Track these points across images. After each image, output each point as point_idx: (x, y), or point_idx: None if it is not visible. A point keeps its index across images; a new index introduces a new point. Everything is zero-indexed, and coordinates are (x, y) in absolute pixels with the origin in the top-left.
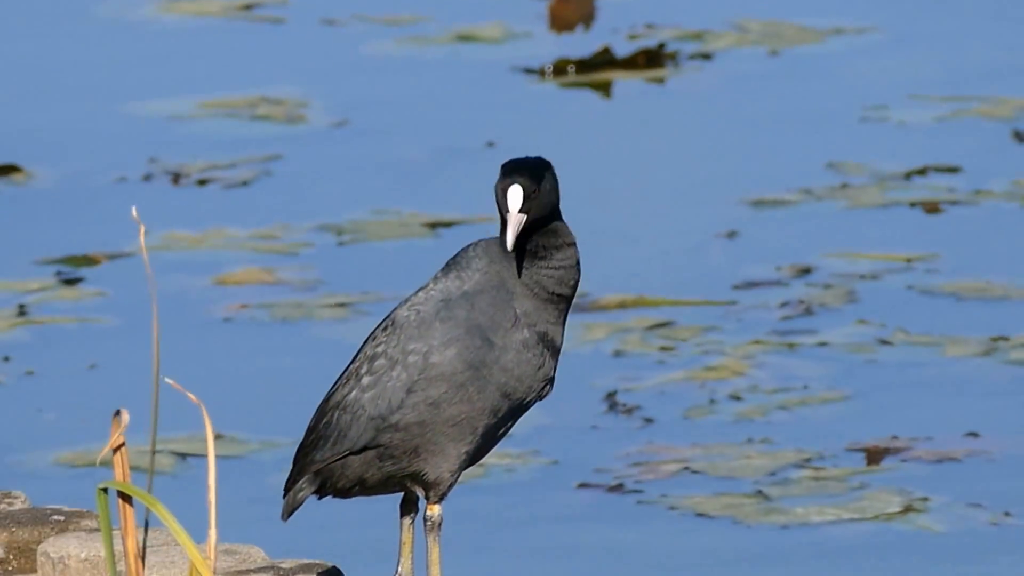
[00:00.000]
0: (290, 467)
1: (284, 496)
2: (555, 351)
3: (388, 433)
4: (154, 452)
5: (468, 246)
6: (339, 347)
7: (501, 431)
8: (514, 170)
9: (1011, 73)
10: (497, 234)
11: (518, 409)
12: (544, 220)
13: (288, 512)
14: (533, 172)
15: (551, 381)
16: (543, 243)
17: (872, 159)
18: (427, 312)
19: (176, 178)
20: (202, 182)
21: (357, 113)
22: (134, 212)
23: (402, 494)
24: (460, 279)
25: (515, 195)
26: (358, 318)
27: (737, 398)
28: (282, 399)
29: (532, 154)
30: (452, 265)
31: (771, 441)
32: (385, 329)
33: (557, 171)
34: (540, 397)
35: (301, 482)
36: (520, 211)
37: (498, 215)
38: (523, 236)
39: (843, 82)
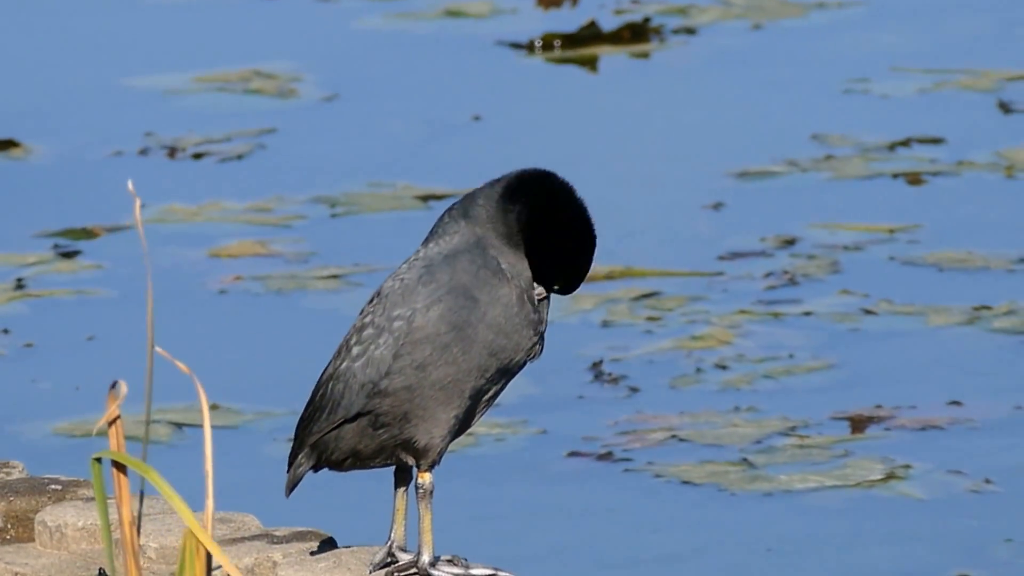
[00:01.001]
0: (289, 440)
1: (287, 471)
2: (542, 306)
3: (378, 399)
4: (149, 422)
5: (444, 212)
6: (332, 318)
7: (490, 394)
8: (573, 288)
9: (992, 45)
10: (469, 191)
11: (506, 370)
12: None
13: (290, 487)
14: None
15: (541, 339)
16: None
17: (856, 131)
18: (410, 279)
19: (172, 152)
20: (197, 156)
21: (348, 87)
22: (130, 185)
23: (395, 465)
24: (439, 245)
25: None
26: (351, 289)
27: (723, 367)
28: (276, 370)
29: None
30: (431, 234)
31: (757, 409)
32: (372, 301)
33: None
34: (530, 357)
35: (300, 456)
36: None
37: None
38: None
39: (826, 55)
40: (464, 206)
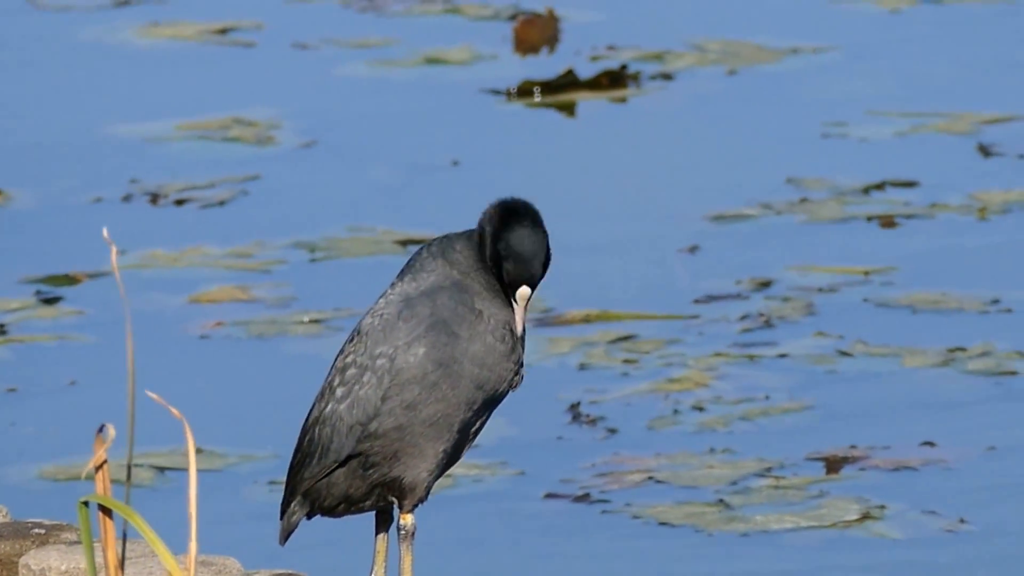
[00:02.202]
0: (272, 483)
1: (280, 519)
2: (520, 338)
3: (368, 441)
4: (131, 466)
5: (420, 249)
6: (313, 362)
7: (477, 425)
8: (530, 274)
9: (968, 88)
10: (449, 233)
11: (492, 401)
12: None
13: (285, 536)
14: (545, 266)
15: (520, 367)
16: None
17: (831, 174)
18: (390, 314)
19: (154, 198)
20: (179, 202)
21: (326, 134)
22: (105, 233)
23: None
24: (416, 280)
25: (524, 295)
26: (332, 334)
27: (700, 409)
28: (258, 413)
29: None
30: (407, 269)
31: (733, 451)
32: (352, 340)
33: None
34: (512, 387)
35: (293, 504)
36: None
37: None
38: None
39: (802, 99)
40: (442, 247)
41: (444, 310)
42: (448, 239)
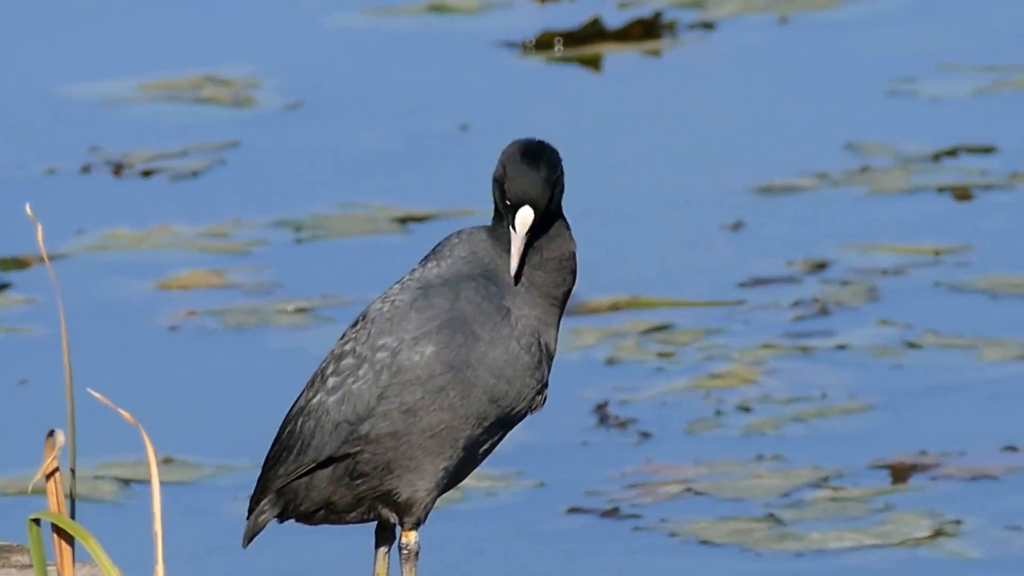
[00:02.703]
0: (253, 489)
1: (247, 517)
2: (549, 355)
3: (358, 444)
4: (74, 477)
5: (451, 235)
6: (299, 357)
7: (486, 445)
8: (528, 186)
9: None
10: (482, 224)
11: (506, 420)
12: (546, 219)
13: (249, 537)
14: (547, 181)
15: (544, 388)
16: (541, 244)
17: (896, 138)
18: (402, 301)
19: (117, 169)
20: (146, 173)
21: (315, 94)
22: (28, 210)
23: (376, 522)
24: (440, 266)
25: (525, 219)
26: (320, 325)
27: (746, 409)
28: (237, 417)
29: (512, 136)
30: (432, 255)
31: (784, 458)
32: (356, 324)
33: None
34: (531, 408)
35: (264, 503)
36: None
37: (492, 205)
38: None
39: (863, 52)
40: (472, 232)
41: (466, 304)
42: (476, 228)
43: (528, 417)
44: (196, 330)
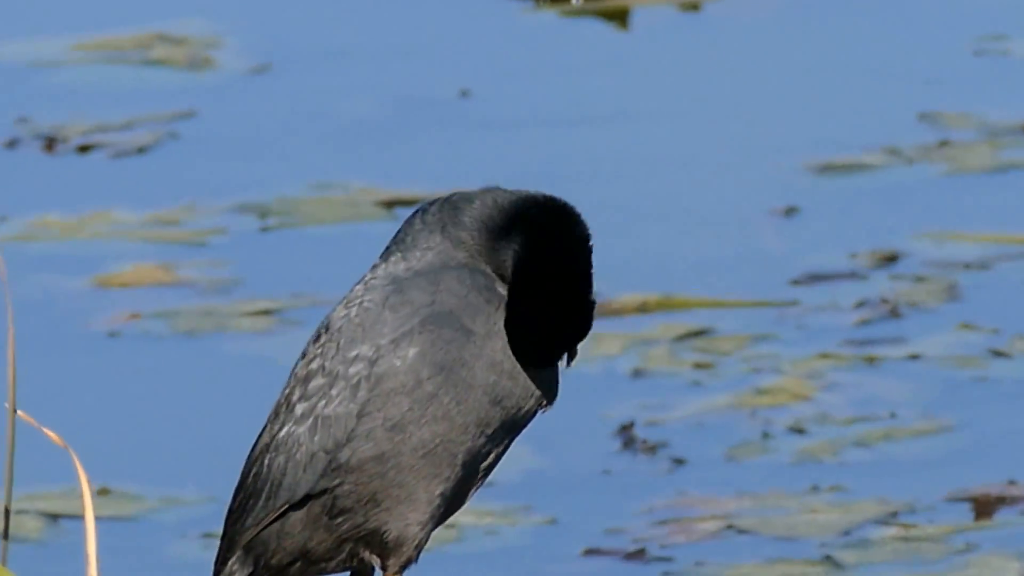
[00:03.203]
0: (208, 536)
1: None
2: None
3: (337, 476)
4: (9, 513)
5: (411, 216)
6: (263, 368)
7: (490, 458)
8: (583, 332)
9: None
10: (448, 193)
11: (512, 424)
12: None
13: None
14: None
15: (553, 385)
16: None
17: (982, 107)
18: (372, 302)
19: (49, 144)
20: (83, 148)
21: (284, 54)
22: None
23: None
24: (408, 259)
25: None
26: (288, 329)
27: (799, 431)
28: (187, 440)
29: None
30: (394, 245)
31: (844, 489)
32: (318, 339)
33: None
34: (542, 405)
35: (232, 561)
36: None
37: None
38: None
39: (944, 5)
40: (443, 215)
41: (450, 297)
42: (452, 205)
43: (528, 438)
44: (141, 336)
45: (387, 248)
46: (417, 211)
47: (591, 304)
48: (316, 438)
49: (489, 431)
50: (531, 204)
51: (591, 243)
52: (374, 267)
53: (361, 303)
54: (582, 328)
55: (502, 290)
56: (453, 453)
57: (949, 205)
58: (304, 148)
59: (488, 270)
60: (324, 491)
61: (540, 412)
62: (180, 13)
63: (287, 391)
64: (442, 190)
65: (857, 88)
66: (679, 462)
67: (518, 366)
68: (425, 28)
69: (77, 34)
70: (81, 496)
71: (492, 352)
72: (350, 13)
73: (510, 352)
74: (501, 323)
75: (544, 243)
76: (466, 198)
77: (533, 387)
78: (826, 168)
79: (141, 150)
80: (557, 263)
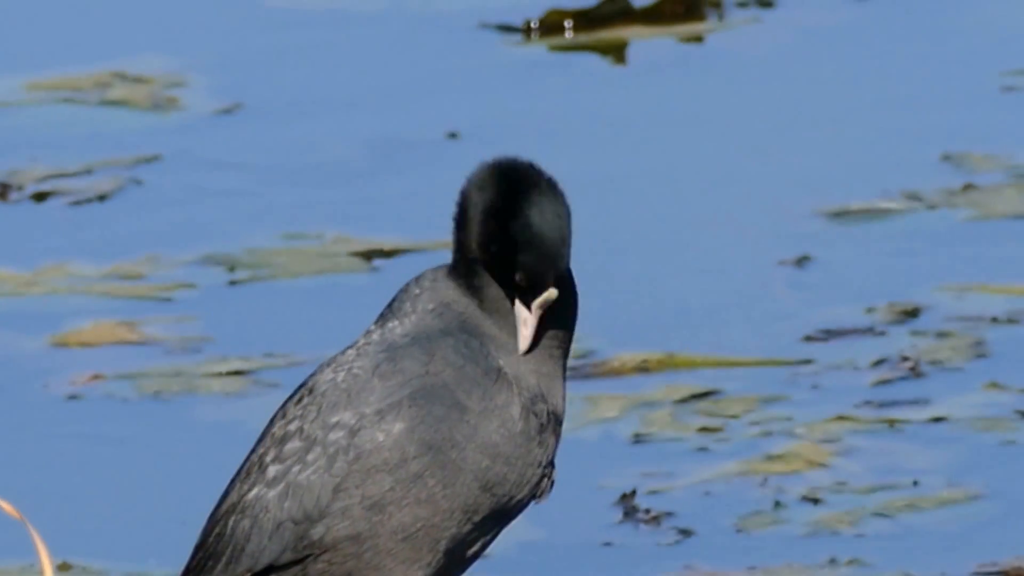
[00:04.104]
0: None
1: None
2: (557, 419)
3: (308, 551)
4: None
5: (408, 284)
6: (235, 434)
7: (476, 546)
8: (557, 257)
9: None
10: (442, 263)
11: (503, 513)
12: None
13: None
14: (567, 253)
15: (550, 469)
16: None
17: (1011, 148)
18: (362, 368)
19: (3, 191)
20: (39, 196)
21: (255, 94)
22: None
23: None
24: (403, 325)
25: (548, 299)
26: (261, 392)
27: (814, 500)
28: (153, 511)
29: (509, 148)
30: (390, 312)
31: (864, 563)
32: (300, 400)
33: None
34: (535, 495)
35: None
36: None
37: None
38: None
39: (969, 35)
40: (435, 279)
41: (445, 368)
42: (436, 271)
43: (531, 507)
44: (103, 399)
45: (382, 314)
46: (413, 280)
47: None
48: (286, 505)
49: (477, 518)
50: (489, 177)
51: (554, 181)
52: (368, 332)
53: (350, 368)
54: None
55: (502, 360)
56: (436, 539)
57: (974, 254)
58: (276, 194)
59: (484, 322)
60: (293, 563)
61: (534, 503)
62: (142, 50)
63: (261, 450)
64: (423, 240)
65: (874, 126)
66: (686, 533)
67: (516, 451)
68: (407, 64)
69: (30, 73)
70: (41, 573)
71: (487, 433)
72: (326, 48)
73: (506, 433)
74: (498, 399)
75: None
76: (440, 266)
77: (529, 474)
78: (841, 214)
79: (101, 198)
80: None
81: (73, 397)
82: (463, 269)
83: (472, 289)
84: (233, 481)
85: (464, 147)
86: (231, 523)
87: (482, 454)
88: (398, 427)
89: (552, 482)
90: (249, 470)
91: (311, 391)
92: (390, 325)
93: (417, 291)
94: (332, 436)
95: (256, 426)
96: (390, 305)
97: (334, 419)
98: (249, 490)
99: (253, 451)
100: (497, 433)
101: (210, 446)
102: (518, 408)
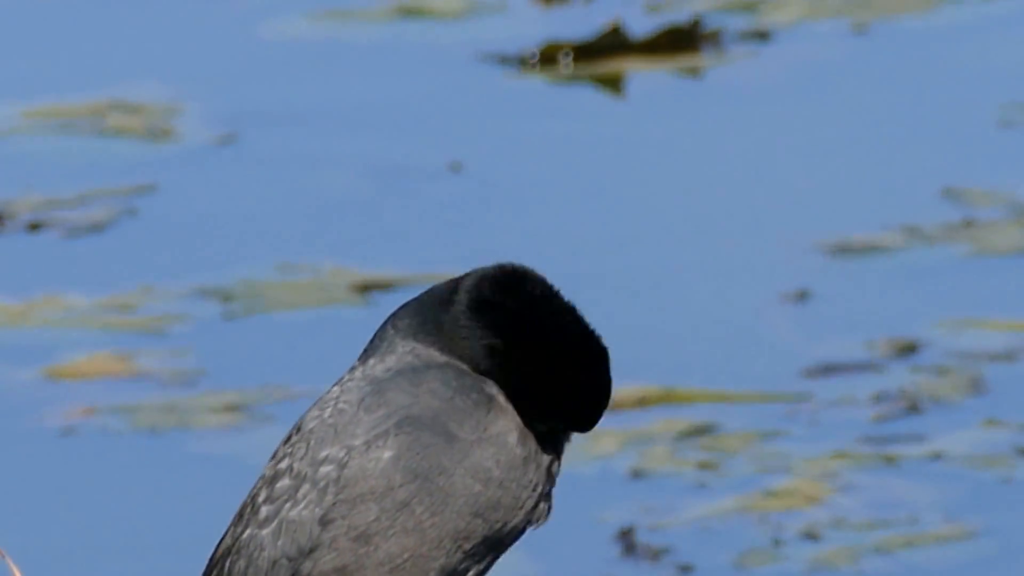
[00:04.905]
0: None
1: None
2: (555, 437)
3: None
4: None
5: (384, 322)
6: (230, 468)
7: None
8: (601, 409)
9: None
10: (425, 289)
11: (496, 541)
12: None
13: None
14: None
15: (547, 497)
16: None
17: (1010, 183)
18: (348, 402)
19: None
20: (33, 226)
21: (251, 124)
22: None
23: None
24: (384, 362)
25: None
26: (256, 426)
27: (812, 537)
28: (148, 548)
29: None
30: (371, 350)
31: None
32: (288, 439)
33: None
34: (533, 520)
35: None
36: None
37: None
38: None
39: (967, 70)
40: (413, 322)
41: (432, 399)
42: (420, 305)
43: (527, 534)
44: (96, 432)
45: (364, 351)
46: (389, 317)
47: (600, 347)
48: (279, 543)
49: (468, 546)
50: (484, 282)
51: (558, 294)
52: (352, 369)
53: (336, 404)
54: (601, 381)
55: (492, 390)
56: (424, 570)
57: (974, 290)
58: (272, 226)
59: (468, 368)
60: None
61: (531, 529)
62: (138, 78)
63: (254, 492)
64: (419, 273)
65: (873, 161)
66: (685, 570)
67: (509, 474)
68: (405, 95)
69: (25, 101)
70: None
71: (479, 459)
72: (323, 78)
73: (503, 460)
74: (493, 429)
75: (516, 321)
76: (433, 294)
77: (524, 499)
78: (840, 249)
79: (96, 228)
80: (536, 335)
81: (66, 431)
82: (443, 327)
83: (456, 328)
84: (228, 527)
85: (460, 179)
86: (227, 565)
87: (473, 479)
88: (386, 455)
89: (550, 507)
90: (242, 512)
91: (299, 430)
92: (371, 361)
93: (392, 331)
94: (321, 471)
95: (251, 461)
96: (370, 343)
97: (323, 454)
98: (243, 531)
99: (249, 494)
100: (491, 458)
101: (204, 481)
102: (516, 435)
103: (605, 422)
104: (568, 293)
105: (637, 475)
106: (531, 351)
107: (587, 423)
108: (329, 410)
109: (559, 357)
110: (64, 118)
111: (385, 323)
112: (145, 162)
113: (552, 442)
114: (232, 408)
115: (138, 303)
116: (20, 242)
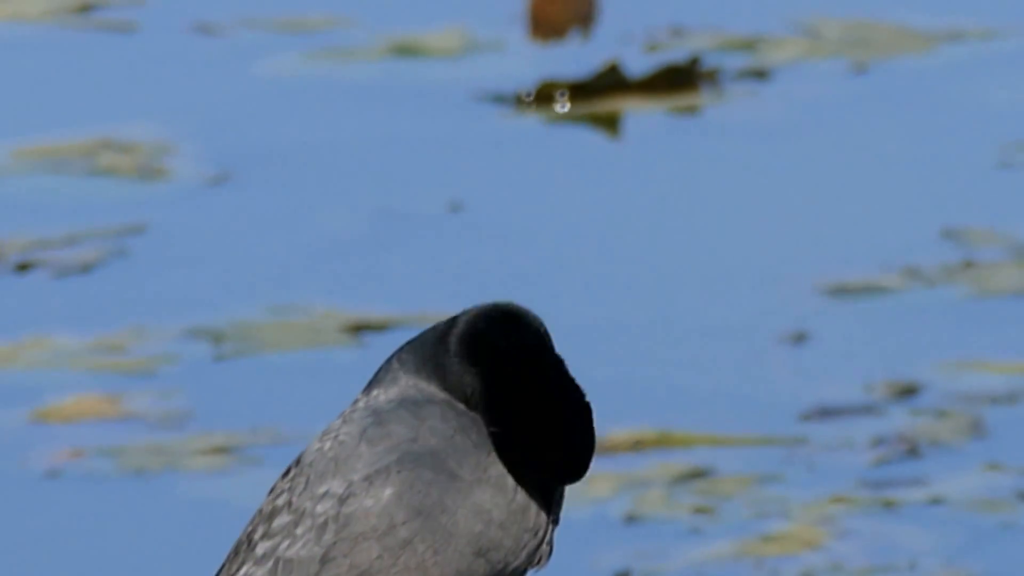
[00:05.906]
0: None
1: None
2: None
3: None
4: None
5: (388, 358)
6: (219, 511)
7: None
8: (586, 467)
9: None
10: (425, 329)
11: None
12: None
13: None
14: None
15: (549, 541)
16: None
17: (1011, 224)
18: (349, 435)
19: None
20: (22, 267)
21: (244, 164)
22: None
23: None
24: (387, 392)
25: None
26: (246, 469)
27: None
28: None
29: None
30: (375, 383)
31: None
32: (287, 473)
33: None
34: (533, 563)
35: None
36: None
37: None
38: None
39: (966, 110)
40: (415, 358)
41: (432, 436)
42: (422, 343)
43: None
44: (84, 475)
45: (368, 384)
46: (394, 352)
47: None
48: None
49: None
50: (478, 320)
51: (547, 345)
52: (355, 401)
53: (337, 436)
54: (585, 438)
55: (493, 426)
56: None
57: (974, 331)
58: (264, 266)
59: (464, 407)
60: None
61: (531, 571)
62: (129, 116)
63: (249, 528)
64: (412, 313)
65: (872, 201)
66: None
67: (511, 519)
68: (400, 135)
69: (14, 139)
70: None
71: (480, 500)
72: (317, 118)
73: (502, 502)
74: (492, 471)
75: (507, 366)
76: (435, 332)
77: (526, 541)
78: (838, 290)
79: (85, 268)
80: (527, 382)
81: (52, 473)
82: (442, 364)
83: (452, 385)
84: (223, 565)
85: (466, 220)
86: None
87: (475, 519)
88: (387, 492)
89: (551, 550)
90: (237, 550)
91: (298, 462)
92: (375, 392)
93: (396, 366)
94: (321, 507)
95: (240, 504)
96: (376, 375)
97: (322, 489)
98: (238, 570)
99: (244, 530)
100: (490, 499)
101: (192, 525)
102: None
103: (599, 466)
104: (565, 333)
105: (632, 519)
106: (512, 403)
107: (569, 477)
108: (329, 443)
109: (539, 412)
110: (55, 157)
111: (390, 358)
112: (136, 201)
113: (549, 487)
114: (221, 450)
115: (127, 344)
116: (8, 283)
